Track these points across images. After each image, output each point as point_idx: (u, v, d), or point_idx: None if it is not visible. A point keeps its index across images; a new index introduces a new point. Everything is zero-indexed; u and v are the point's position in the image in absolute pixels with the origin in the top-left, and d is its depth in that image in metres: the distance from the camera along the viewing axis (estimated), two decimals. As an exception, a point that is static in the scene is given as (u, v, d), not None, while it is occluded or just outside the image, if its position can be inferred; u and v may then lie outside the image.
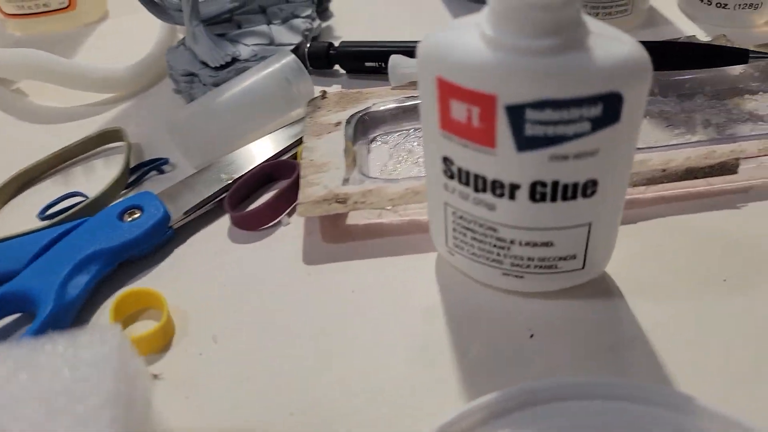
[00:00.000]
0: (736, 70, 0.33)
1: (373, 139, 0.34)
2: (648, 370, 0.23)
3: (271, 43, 0.38)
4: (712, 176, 0.28)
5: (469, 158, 0.22)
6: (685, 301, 0.25)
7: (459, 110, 0.21)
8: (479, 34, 0.20)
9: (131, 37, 0.45)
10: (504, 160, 0.21)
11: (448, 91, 0.21)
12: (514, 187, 0.22)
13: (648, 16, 0.42)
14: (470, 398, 0.23)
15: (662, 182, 0.28)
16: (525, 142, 0.21)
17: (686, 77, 0.33)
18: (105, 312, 0.28)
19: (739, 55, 0.31)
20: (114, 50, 0.45)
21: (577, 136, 0.20)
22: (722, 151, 0.28)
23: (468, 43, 0.20)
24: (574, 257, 0.24)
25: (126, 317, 0.28)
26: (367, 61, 0.37)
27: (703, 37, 0.38)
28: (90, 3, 0.48)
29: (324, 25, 0.43)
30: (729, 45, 0.33)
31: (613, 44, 0.19)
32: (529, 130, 0.20)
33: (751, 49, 0.32)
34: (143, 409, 0.20)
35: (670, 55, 0.32)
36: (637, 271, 0.26)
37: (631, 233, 0.28)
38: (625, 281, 0.26)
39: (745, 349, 0.23)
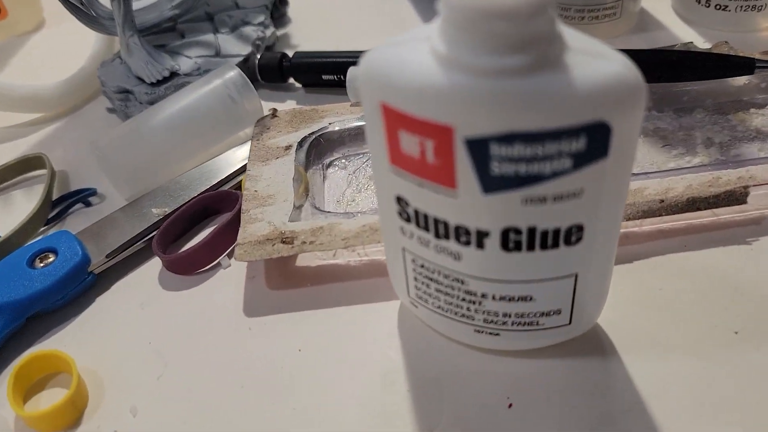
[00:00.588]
0: (740, 80, 0.29)
1: (330, 164, 0.30)
2: (648, 450, 0.19)
3: (218, 54, 0.34)
4: (717, 207, 0.24)
5: (427, 199, 0.18)
6: (690, 358, 0.21)
7: (410, 143, 0.17)
8: (431, 51, 0.16)
9: (69, 49, 0.41)
10: (468, 203, 0.17)
11: (395, 120, 0.17)
12: (482, 235, 0.18)
13: (639, 20, 0.38)
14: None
15: (660, 214, 0.24)
16: (492, 182, 0.17)
17: (684, 89, 0.29)
18: (7, 380, 0.23)
19: (745, 65, 0.27)
20: (49, 63, 0.41)
21: (556, 174, 0.16)
22: (728, 178, 0.24)
23: (417, 62, 0.16)
24: (558, 312, 0.20)
25: (31, 386, 0.23)
26: (324, 74, 0.33)
27: (701, 43, 0.34)
28: (24, 11, 0.43)
29: (280, 32, 0.39)
30: (732, 53, 0.29)
31: (597, 62, 0.15)
32: (496, 168, 0.16)
33: (757, 57, 0.28)
34: None
35: (666, 66, 0.28)
36: (633, 322, 0.22)
37: (625, 274, 0.24)
38: (619, 334, 0.22)
39: (765, 419, 0.19)
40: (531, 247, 0.18)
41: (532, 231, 0.18)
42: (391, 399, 0.21)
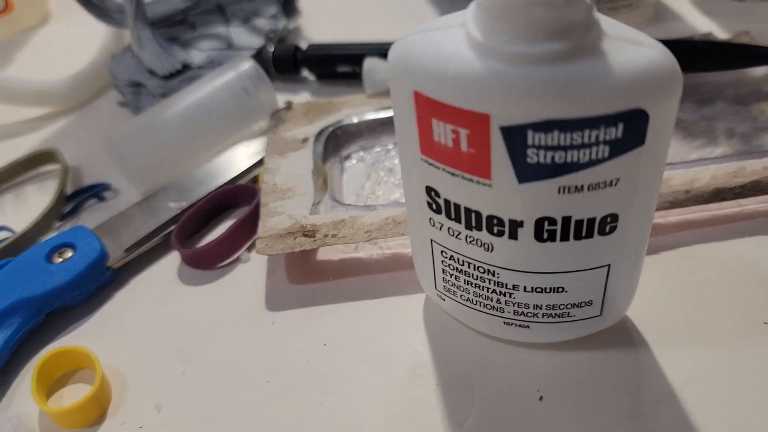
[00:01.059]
0: (760, 71, 0.29)
1: (347, 157, 0.29)
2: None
3: (230, 46, 0.34)
4: (743, 197, 0.24)
5: (459, 190, 0.18)
6: (720, 349, 0.21)
7: (443, 132, 0.17)
8: (465, 38, 0.15)
9: (76, 43, 0.40)
10: (502, 193, 0.17)
11: (428, 108, 0.16)
12: (515, 225, 0.18)
13: (656, 11, 0.38)
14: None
15: (686, 205, 0.24)
16: (527, 172, 0.16)
17: (703, 80, 0.29)
18: (29, 375, 0.23)
19: (767, 56, 0.27)
20: (56, 58, 0.41)
21: (593, 163, 0.16)
22: (754, 168, 0.24)
23: (451, 49, 0.16)
24: (590, 303, 0.20)
25: (54, 382, 0.23)
26: (340, 66, 0.33)
27: (720, 33, 0.34)
28: (30, 5, 0.43)
29: (292, 25, 0.39)
30: (754, 43, 0.29)
31: (634, 49, 0.15)
32: (533, 156, 0.16)
33: (779, 46, 0.28)
34: None
35: (689, 56, 0.28)
36: (661, 313, 0.22)
37: (652, 265, 0.23)
38: (648, 326, 0.22)
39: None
40: (565, 237, 0.18)
41: (566, 221, 0.17)
42: (420, 393, 0.21)
